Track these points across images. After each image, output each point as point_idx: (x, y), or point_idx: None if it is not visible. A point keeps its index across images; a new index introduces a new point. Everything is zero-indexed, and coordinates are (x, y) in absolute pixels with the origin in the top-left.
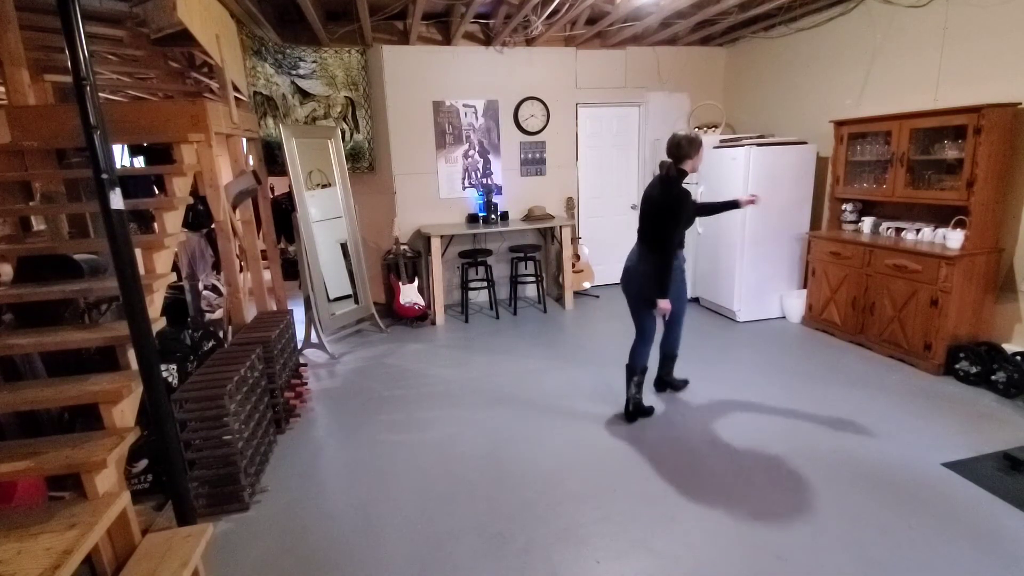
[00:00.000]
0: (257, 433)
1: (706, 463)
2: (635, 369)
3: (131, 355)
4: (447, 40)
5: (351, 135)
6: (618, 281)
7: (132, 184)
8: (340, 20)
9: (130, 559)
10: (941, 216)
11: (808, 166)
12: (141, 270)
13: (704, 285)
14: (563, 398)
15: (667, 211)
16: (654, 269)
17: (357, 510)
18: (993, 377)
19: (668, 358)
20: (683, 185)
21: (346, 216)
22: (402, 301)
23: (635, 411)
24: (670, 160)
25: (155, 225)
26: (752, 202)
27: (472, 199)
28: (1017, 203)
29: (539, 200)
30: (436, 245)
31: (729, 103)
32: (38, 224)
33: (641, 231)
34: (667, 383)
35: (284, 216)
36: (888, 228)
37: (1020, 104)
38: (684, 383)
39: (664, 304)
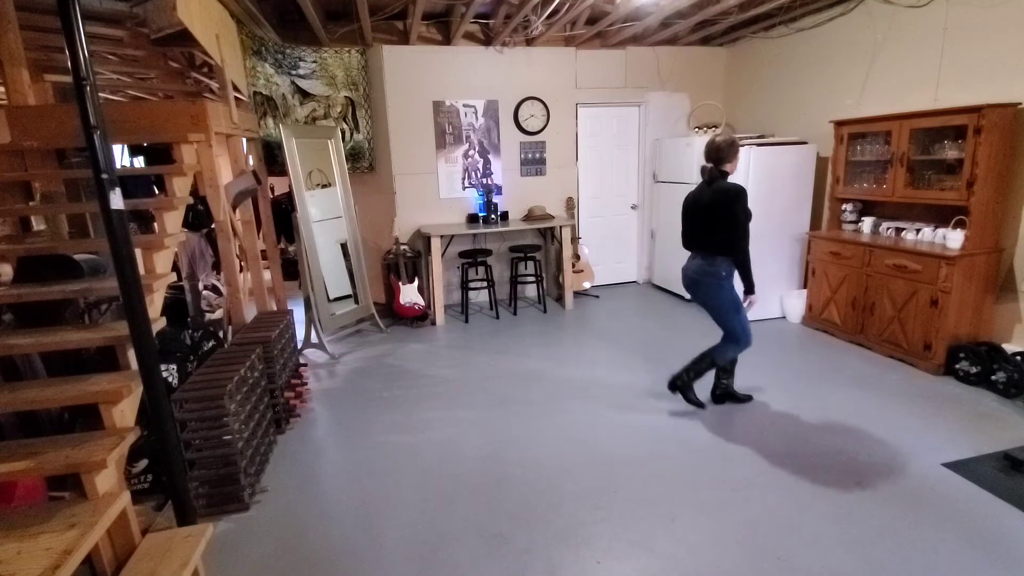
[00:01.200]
0: (257, 433)
1: (706, 463)
2: (720, 366)
3: (131, 355)
4: (447, 40)
5: (351, 135)
6: (618, 281)
7: (132, 184)
8: (340, 20)
9: (130, 559)
10: (941, 216)
11: (808, 166)
12: (141, 270)
13: None
14: (563, 398)
15: (733, 204)
16: (737, 266)
17: (357, 510)
18: (993, 377)
19: (725, 370)
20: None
21: (346, 216)
22: (402, 301)
23: (723, 396)
24: (710, 164)
25: (155, 225)
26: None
27: (472, 199)
28: (1017, 203)
29: (539, 200)
30: (436, 245)
31: (729, 103)
32: (38, 224)
33: (693, 238)
34: (728, 394)
35: (284, 216)
36: (888, 228)
37: (1020, 104)
38: (748, 398)
39: (754, 297)
